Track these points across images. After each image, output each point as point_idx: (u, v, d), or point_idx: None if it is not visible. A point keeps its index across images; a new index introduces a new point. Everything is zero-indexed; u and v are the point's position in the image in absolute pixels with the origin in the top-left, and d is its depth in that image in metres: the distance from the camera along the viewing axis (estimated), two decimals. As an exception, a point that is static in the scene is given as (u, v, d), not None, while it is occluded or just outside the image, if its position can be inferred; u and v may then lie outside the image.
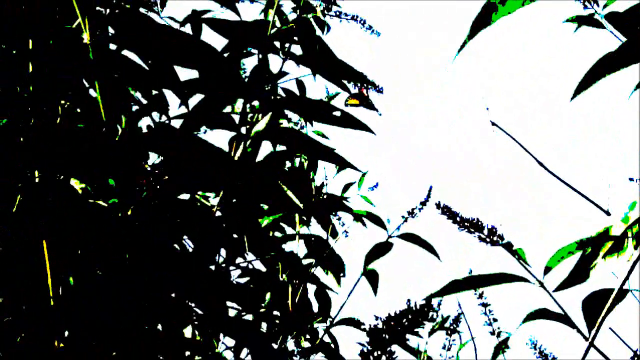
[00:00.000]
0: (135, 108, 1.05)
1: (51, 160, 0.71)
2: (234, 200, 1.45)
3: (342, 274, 1.55)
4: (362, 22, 1.62)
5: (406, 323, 0.51)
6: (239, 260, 1.58)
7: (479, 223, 0.75)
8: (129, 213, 0.87)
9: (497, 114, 0.85)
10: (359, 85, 1.70)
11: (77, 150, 0.72)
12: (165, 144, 0.92)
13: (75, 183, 0.82)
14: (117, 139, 0.75)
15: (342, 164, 1.31)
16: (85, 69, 0.70)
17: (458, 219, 0.75)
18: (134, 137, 0.78)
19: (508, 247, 0.74)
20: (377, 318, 0.54)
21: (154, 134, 0.83)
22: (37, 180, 0.73)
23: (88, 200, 0.80)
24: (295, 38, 1.53)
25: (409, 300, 0.53)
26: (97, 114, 0.74)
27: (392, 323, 0.52)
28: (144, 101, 1.15)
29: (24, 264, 0.76)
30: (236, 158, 1.43)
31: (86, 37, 0.69)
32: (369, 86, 1.68)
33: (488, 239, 0.75)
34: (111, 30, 0.81)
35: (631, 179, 1.48)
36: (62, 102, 0.75)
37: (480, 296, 1.29)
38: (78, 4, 0.66)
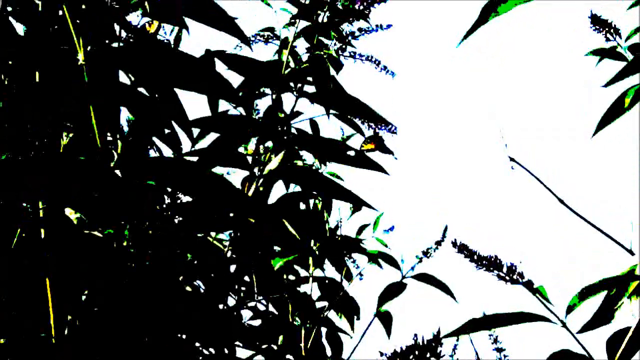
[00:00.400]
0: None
1: (52, 192, 0.69)
2: (246, 241, 1.43)
3: (356, 318, 1.51)
4: (377, 62, 1.61)
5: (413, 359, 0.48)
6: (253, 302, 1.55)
7: (498, 261, 0.72)
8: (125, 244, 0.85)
9: (516, 148, 0.82)
10: (372, 126, 1.69)
11: (76, 180, 0.70)
12: (178, 178, 0.90)
13: (70, 213, 0.79)
14: (112, 164, 0.73)
15: (358, 203, 1.28)
16: (79, 92, 0.68)
17: (476, 257, 0.72)
18: (138, 166, 0.76)
19: (528, 285, 0.71)
20: (382, 354, 0.51)
21: (163, 165, 0.82)
22: (40, 214, 0.71)
23: (83, 231, 0.78)
24: (309, 78, 1.52)
25: (415, 335, 0.50)
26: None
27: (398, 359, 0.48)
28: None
29: (24, 302, 0.73)
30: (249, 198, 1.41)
31: (81, 57, 0.68)
32: (383, 126, 1.67)
33: (507, 277, 0.72)
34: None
35: None
36: (65, 133, 0.74)
37: (495, 340, 1.25)
38: (73, 22, 0.64)
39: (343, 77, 1.61)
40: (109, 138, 0.88)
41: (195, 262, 1.25)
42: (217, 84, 0.83)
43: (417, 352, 0.48)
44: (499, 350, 1.31)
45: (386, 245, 1.81)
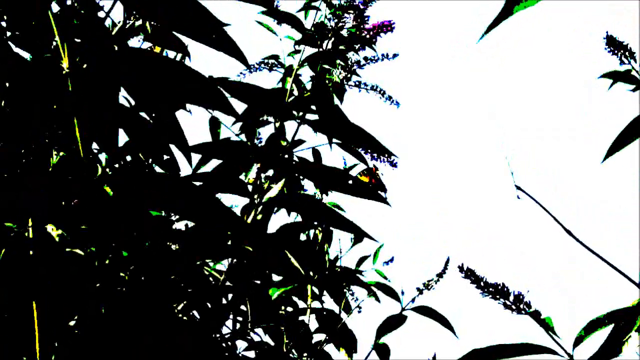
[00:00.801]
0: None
1: (37, 209, 0.67)
2: (244, 270, 1.40)
3: (353, 351, 1.48)
4: (381, 92, 1.60)
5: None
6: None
7: (505, 289, 0.70)
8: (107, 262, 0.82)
9: (517, 149, 0.80)
10: (375, 156, 1.67)
11: (60, 196, 0.68)
12: (175, 200, 0.88)
13: (53, 229, 0.77)
14: (95, 177, 0.71)
15: (359, 234, 1.26)
16: (62, 101, 0.66)
17: (482, 283, 0.70)
18: (132, 184, 0.74)
19: (535, 316, 0.69)
20: None
21: (161, 184, 0.79)
22: (28, 233, 0.69)
23: (65, 249, 0.75)
24: (313, 107, 1.51)
25: None
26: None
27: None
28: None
29: (7, 326, 0.71)
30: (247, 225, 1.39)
31: (65, 64, 0.66)
32: (385, 158, 1.65)
33: (514, 307, 0.69)
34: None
35: None
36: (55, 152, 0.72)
37: None
38: (57, 25, 0.62)
39: (346, 105, 1.60)
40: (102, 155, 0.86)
41: (189, 289, 1.23)
42: (220, 101, 0.82)
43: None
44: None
45: (386, 278, 1.78)
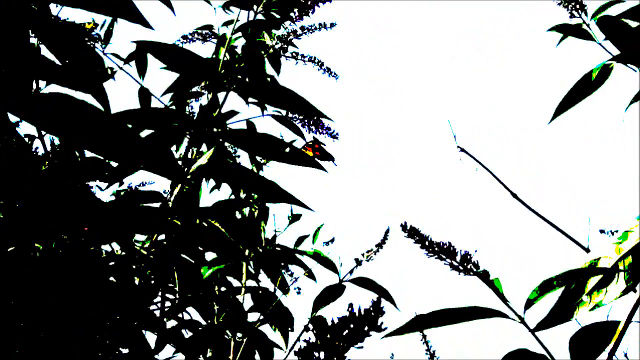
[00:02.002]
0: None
1: None
2: (172, 245, 1.33)
3: (290, 329, 1.41)
4: (319, 64, 1.54)
5: (348, 335, 0.38)
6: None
7: (452, 248, 0.64)
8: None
9: (466, 139, 0.75)
10: (314, 129, 1.61)
11: None
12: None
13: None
14: None
15: (297, 204, 1.19)
16: None
17: (427, 243, 0.64)
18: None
19: (484, 276, 0.63)
20: (307, 329, 0.41)
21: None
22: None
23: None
24: (246, 77, 1.44)
25: (350, 305, 0.40)
26: None
27: (329, 336, 0.39)
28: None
29: None
30: (173, 199, 1.31)
31: None
32: (324, 130, 1.59)
33: (461, 267, 0.64)
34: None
35: (601, 231, 1.40)
36: None
37: (425, 341, 1.16)
38: None
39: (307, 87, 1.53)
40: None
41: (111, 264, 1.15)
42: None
43: (353, 325, 0.38)
44: (431, 355, 1.23)
45: (327, 259, 1.73)
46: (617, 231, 1.43)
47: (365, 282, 1.32)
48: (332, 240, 1.91)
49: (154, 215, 1.15)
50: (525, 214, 0.74)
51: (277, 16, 1.42)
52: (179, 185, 1.21)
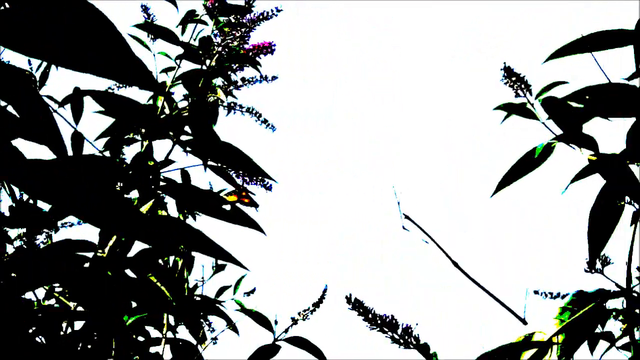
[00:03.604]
0: None
1: None
2: (99, 295, 1.31)
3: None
4: (257, 115, 1.56)
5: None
6: None
7: (394, 321, 0.67)
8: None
9: (411, 207, 0.79)
10: (248, 180, 1.62)
11: None
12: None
13: None
14: None
15: (226, 258, 1.20)
16: None
17: (370, 315, 0.67)
18: None
19: (424, 350, 0.66)
20: None
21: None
22: None
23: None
24: (187, 129, 1.45)
25: None
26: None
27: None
28: None
29: None
30: (106, 250, 1.30)
31: None
32: (259, 182, 1.61)
33: (402, 340, 0.66)
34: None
35: (535, 292, 1.47)
36: None
37: None
38: None
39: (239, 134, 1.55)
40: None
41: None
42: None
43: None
44: None
45: (247, 309, 1.73)
46: (551, 293, 1.50)
47: (300, 342, 1.33)
48: (253, 291, 1.91)
49: (90, 266, 1.14)
50: (472, 288, 0.78)
51: (227, 65, 1.44)
52: (114, 238, 1.20)
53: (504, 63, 0.87)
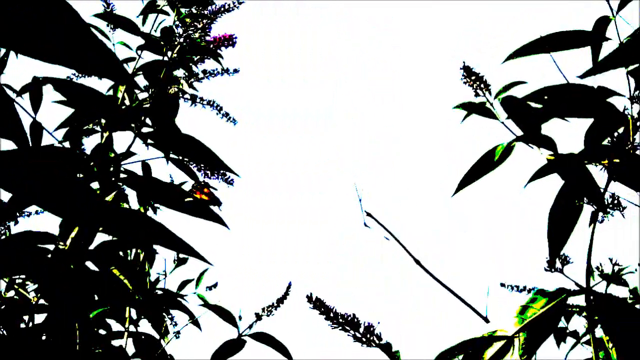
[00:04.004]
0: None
1: None
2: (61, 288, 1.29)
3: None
4: (218, 108, 1.54)
5: None
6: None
7: (355, 320, 0.67)
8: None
9: (373, 204, 0.79)
10: (209, 174, 1.61)
11: None
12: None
13: None
14: None
15: (188, 252, 1.19)
16: None
17: (332, 314, 0.67)
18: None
19: (386, 348, 0.67)
20: None
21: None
22: None
23: None
24: (148, 121, 1.43)
25: None
26: None
27: None
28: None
29: None
30: (67, 243, 1.28)
31: None
32: (220, 176, 1.60)
33: (364, 339, 0.67)
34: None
35: (502, 284, 1.49)
36: None
37: None
38: None
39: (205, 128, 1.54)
40: None
41: None
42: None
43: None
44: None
45: (208, 302, 1.72)
46: (517, 286, 1.52)
47: (264, 338, 1.32)
48: (215, 285, 1.90)
49: (51, 258, 1.12)
50: (434, 286, 0.78)
51: (188, 56, 1.42)
52: (75, 230, 1.18)
53: (463, 62, 0.87)
